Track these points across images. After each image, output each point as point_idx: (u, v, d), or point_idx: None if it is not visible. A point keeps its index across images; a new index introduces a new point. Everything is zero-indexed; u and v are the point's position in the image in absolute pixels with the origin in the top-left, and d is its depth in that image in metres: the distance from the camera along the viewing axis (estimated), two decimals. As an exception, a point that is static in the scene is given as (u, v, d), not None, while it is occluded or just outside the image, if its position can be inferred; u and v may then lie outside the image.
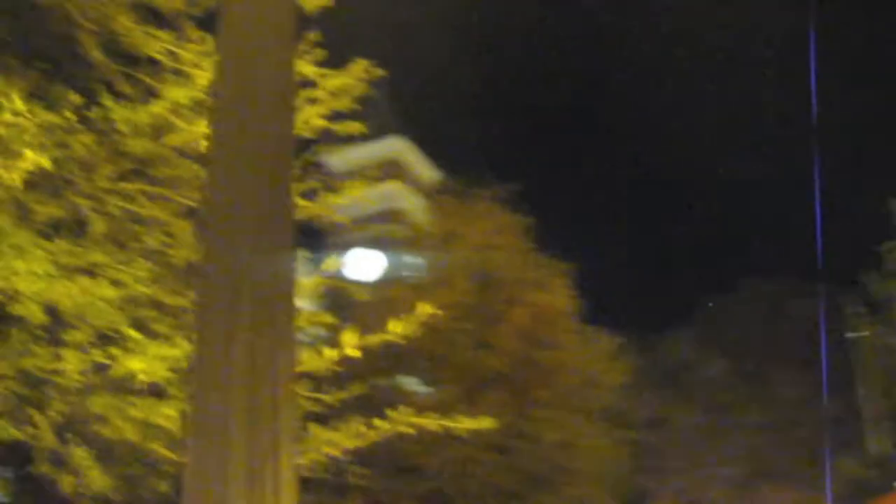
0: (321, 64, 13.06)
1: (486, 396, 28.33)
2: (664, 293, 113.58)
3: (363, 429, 11.69)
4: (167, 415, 10.92)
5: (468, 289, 28.48)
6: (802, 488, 51.62)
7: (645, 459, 57.34)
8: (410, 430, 11.88)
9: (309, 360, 11.77)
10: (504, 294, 29.03)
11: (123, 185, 11.38)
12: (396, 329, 12.40)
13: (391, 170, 56.29)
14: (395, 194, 51.71)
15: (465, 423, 10.55)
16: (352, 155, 56.88)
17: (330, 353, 12.02)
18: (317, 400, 12.84)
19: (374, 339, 11.90)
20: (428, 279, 29.15)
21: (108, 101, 11.34)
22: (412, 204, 47.17)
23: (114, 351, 10.86)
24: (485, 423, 10.40)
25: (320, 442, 11.98)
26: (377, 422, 10.81)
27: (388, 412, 11.04)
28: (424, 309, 27.16)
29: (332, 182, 29.30)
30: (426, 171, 56.89)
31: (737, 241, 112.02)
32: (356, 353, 12.05)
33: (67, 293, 10.55)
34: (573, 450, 27.92)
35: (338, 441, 11.87)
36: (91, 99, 11.30)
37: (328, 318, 13.94)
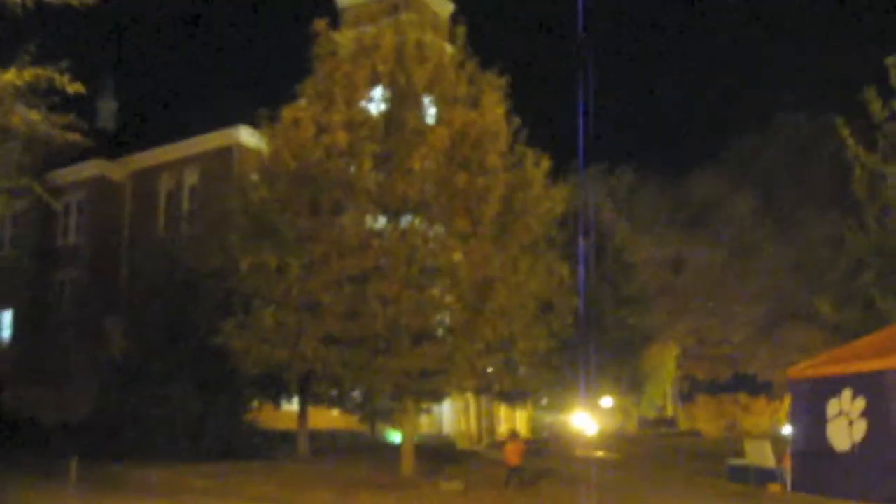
0: None
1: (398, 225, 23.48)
2: (689, 127, 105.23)
3: None
4: None
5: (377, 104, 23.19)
6: (826, 331, 46.24)
7: (661, 298, 52.38)
8: None
9: None
10: (424, 111, 23.64)
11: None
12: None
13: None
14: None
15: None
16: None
17: None
18: None
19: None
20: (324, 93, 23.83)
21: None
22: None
23: None
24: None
25: None
26: None
27: None
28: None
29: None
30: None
31: (771, 74, 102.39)
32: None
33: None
34: (499, 286, 22.71)
35: None
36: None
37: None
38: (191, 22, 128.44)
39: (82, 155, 45.17)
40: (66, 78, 12.55)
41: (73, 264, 43.76)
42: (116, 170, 44.79)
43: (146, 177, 44.30)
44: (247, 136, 39.55)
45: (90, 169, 44.51)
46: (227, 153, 41.03)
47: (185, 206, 42.95)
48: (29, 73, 12.16)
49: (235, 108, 40.74)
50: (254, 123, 25.99)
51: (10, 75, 11.89)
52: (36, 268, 44.32)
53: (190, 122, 45.48)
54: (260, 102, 25.13)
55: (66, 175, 44.96)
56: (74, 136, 13.95)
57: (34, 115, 13.23)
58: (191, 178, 42.97)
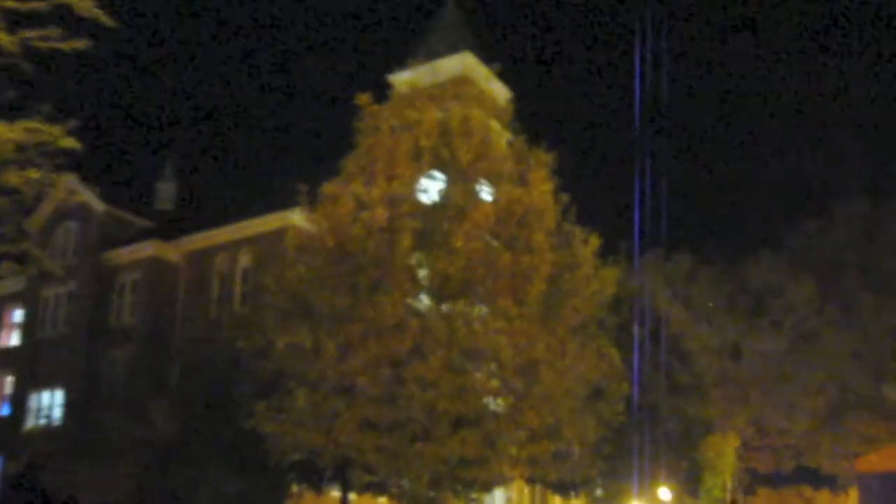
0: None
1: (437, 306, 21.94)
2: (750, 214, 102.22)
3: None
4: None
5: (413, 179, 21.87)
6: (893, 421, 43.43)
7: (719, 387, 49.71)
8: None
9: None
10: (470, 185, 22.30)
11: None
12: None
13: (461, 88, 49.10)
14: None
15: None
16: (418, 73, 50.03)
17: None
18: None
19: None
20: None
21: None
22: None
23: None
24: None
25: None
26: None
27: None
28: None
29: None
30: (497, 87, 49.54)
31: (830, 160, 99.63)
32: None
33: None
34: (544, 370, 21.02)
35: None
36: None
37: None
38: (249, 101, 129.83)
39: (140, 235, 44.72)
40: (58, 132, 11.44)
41: (126, 344, 42.76)
42: (172, 251, 44.01)
43: (201, 258, 43.43)
44: (300, 218, 38.51)
45: (146, 249, 43.78)
46: (280, 235, 39.89)
47: (238, 288, 41.93)
48: (20, 128, 11.05)
49: (291, 189, 39.86)
50: (306, 204, 24.75)
51: (1, 129, 10.81)
52: (89, 347, 43.41)
53: (247, 202, 44.78)
54: (314, 183, 24.07)
55: (123, 255, 44.35)
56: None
57: (31, 174, 12.08)
58: (244, 260, 42.02)
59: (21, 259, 20.50)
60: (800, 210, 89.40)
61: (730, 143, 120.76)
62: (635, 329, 43.33)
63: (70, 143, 12.07)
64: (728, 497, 52.14)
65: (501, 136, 23.86)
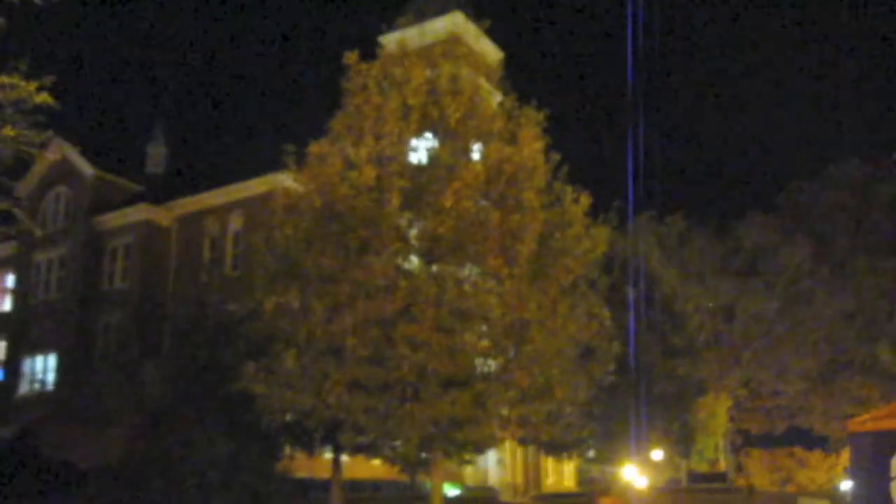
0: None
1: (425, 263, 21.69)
2: (743, 175, 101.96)
3: None
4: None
5: (404, 138, 21.55)
6: (885, 383, 43.50)
7: (712, 348, 49.75)
8: None
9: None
10: (459, 144, 21.97)
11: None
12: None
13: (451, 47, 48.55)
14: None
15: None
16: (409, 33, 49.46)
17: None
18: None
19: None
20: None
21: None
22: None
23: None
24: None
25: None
26: None
27: None
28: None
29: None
30: (487, 46, 49.14)
31: (825, 121, 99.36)
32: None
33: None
34: (535, 329, 20.79)
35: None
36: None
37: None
38: (244, 64, 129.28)
39: (131, 199, 44.41)
40: (32, 87, 11.07)
41: (118, 308, 42.64)
42: (163, 214, 43.80)
43: (192, 222, 43.23)
44: (290, 180, 38.22)
45: (137, 213, 43.59)
46: (270, 198, 39.63)
47: (229, 251, 41.74)
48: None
49: (280, 151, 39.49)
50: (293, 164, 24.30)
51: None
52: (82, 311, 43.26)
53: (238, 165, 44.49)
54: (302, 143, 23.71)
55: (114, 219, 44.09)
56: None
57: (8, 132, 11.70)
58: (235, 223, 41.82)
59: (5, 221, 20.21)
60: (793, 171, 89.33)
61: (724, 103, 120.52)
62: (630, 290, 43.25)
63: (46, 99, 11.72)
64: (733, 459, 52.34)
65: (491, 95, 23.53)
